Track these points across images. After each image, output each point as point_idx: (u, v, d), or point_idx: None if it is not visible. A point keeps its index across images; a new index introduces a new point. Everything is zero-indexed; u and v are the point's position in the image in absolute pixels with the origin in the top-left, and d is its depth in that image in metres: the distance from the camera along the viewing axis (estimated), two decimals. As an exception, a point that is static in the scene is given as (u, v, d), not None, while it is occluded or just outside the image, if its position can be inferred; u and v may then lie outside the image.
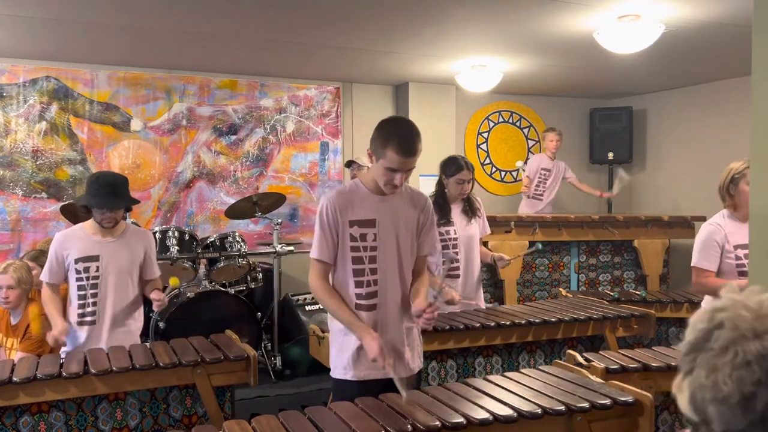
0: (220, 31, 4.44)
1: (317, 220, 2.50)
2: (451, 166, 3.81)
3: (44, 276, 3.21)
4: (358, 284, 2.49)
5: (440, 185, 3.87)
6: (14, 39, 4.64)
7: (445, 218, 3.80)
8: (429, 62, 5.42)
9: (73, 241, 3.19)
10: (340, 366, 2.52)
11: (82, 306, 3.16)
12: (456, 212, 3.86)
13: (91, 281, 3.16)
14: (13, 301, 3.50)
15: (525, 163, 6.61)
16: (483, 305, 3.98)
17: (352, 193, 2.52)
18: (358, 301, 2.50)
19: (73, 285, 3.19)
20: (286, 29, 4.40)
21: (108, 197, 3.14)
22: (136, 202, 3.42)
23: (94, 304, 3.17)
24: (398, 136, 2.38)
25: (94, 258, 3.18)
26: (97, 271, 3.17)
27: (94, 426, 2.71)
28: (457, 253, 3.81)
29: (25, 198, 5.32)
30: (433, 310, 2.46)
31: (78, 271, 3.16)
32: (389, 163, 2.38)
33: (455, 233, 3.81)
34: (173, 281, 3.52)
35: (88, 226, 3.24)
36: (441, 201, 3.83)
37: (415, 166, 2.45)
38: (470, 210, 3.89)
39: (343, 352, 2.52)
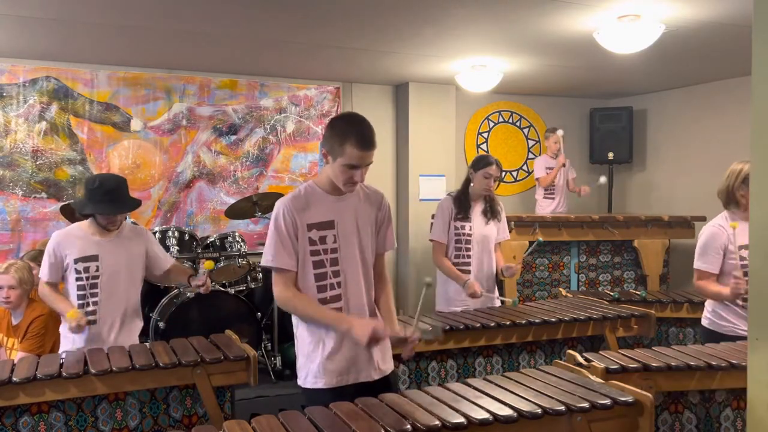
0: (220, 31, 4.44)
1: (273, 228, 2.41)
2: (481, 160, 3.99)
3: (43, 275, 3.21)
4: (321, 288, 2.43)
5: (466, 182, 4.03)
6: (14, 39, 4.64)
7: (463, 213, 3.92)
8: (429, 62, 5.41)
9: (71, 241, 3.20)
10: (311, 375, 2.45)
11: (82, 306, 3.17)
12: (476, 211, 3.98)
13: (91, 281, 3.18)
14: (14, 301, 3.51)
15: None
16: (497, 303, 4.07)
17: (307, 196, 2.45)
18: (324, 306, 2.44)
19: (72, 285, 3.19)
20: (286, 29, 4.40)
21: (113, 203, 3.16)
22: (139, 203, 3.44)
23: (95, 303, 3.19)
24: (355, 131, 2.33)
25: (93, 258, 3.19)
26: (97, 270, 3.19)
27: (94, 426, 2.71)
28: (469, 249, 3.92)
29: (25, 198, 5.32)
30: (413, 341, 2.44)
31: (78, 271, 3.17)
32: (349, 159, 2.33)
33: (470, 230, 3.94)
34: (208, 264, 3.40)
35: (86, 225, 3.25)
36: (463, 197, 3.99)
37: (373, 161, 2.40)
38: (491, 212, 4.02)
39: (311, 361, 2.45)
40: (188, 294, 4.74)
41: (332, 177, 2.42)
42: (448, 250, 3.98)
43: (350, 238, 2.47)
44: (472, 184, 3.98)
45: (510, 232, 5.25)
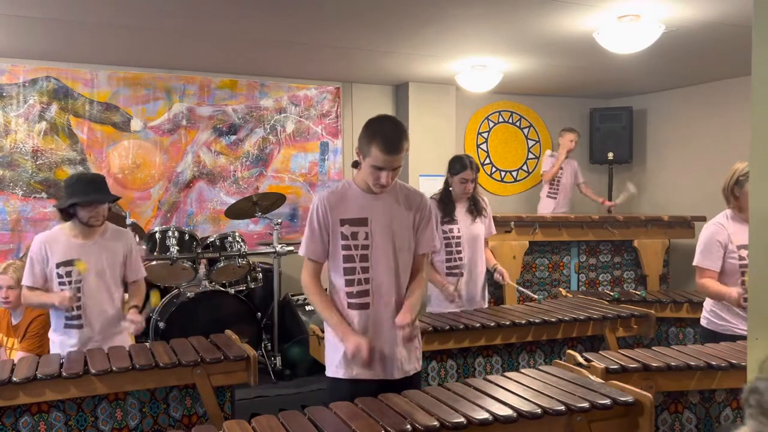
0: (221, 31, 4.44)
1: (309, 219, 2.53)
2: (455, 164, 3.90)
3: (25, 280, 3.16)
4: (349, 283, 2.50)
5: (447, 184, 3.96)
6: (14, 39, 4.64)
7: (449, 216, 3.88)
8: (429, 62, 5.41)
9: (53, 245, 3.14)
10: (333, 364, 2.54)
11: (68, 309, 3.12)
12: (461, 211, 3.92)
13: (74, 285, 3.12)
14: (13, 301, 3.51)
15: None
16: (485, 305, 4.01)
17: (344, 192, 2.53)
18: (350, 300, 2.50)
19: (56, 290, 3.13)
20: (286, 29, 4.40)
21: (96, 193, 3.11)
22: (118, 198, 3.42)
23: (79, 308, 3.13)
24: (382, 135, 2.39)
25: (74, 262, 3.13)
26: (79, 275, 3.12)
27: (94, 426, 2.71)
28: (460, 251, 3.86)
29: (25, 198, 5.32)
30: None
31: (60, 275, 3.12)
32: (374, 161, 2.39)
33: (459, 231, 3.88)
34: (155, 297, 3.34)
35: (68, 228, 3.19)
36: (446, 199, 3.92)
37: (402, 165, 2.46)
38: (475, 209, 3.95)
39: (336, 351, 2.53)
40: (188, 294, 4.74)
41: (364, 176, 2.48)
42: (436, 255, 3.91)
43: (383, 237, 2.50)
44: (451, 188, 3.93)
45: (510, 231, 5.27)
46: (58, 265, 3.12)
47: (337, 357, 2.52)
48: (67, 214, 3.16)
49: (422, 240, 2.61)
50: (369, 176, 2.45)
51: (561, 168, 6.35)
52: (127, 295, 3.38)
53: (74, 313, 3.14)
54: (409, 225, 2.57)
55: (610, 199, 6.63)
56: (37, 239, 3.19)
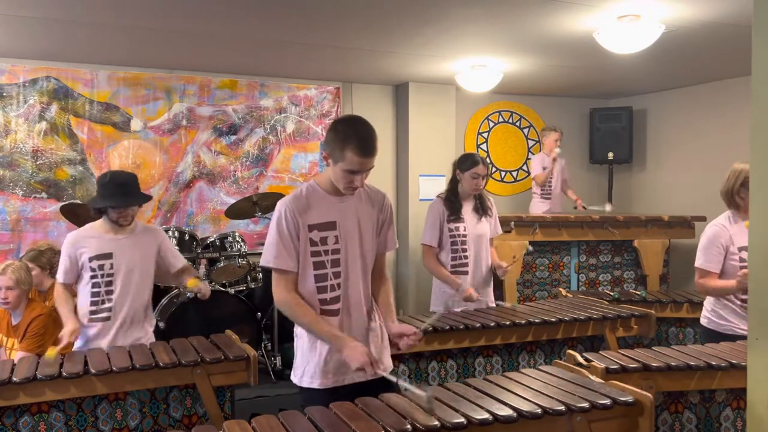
0: (220, 31, 4.44)
1: (275, 228, 2.39)
2: (467, 160, 3.91)
3: (59, 277, 3.25)
4: (321, 290, 2.42)
5: (453, 182, 3.96)
6: (14, 39, 4.64)
7: (455, 215, 3.90)
8: (429, 62, 5.41)
9: (86, 240, 3.23)
10: (307, 375, 2.45)
11: (95, 303, 3.20)
12: (467, 210, 3.95)
13: (106, 278, 3.20)
14: (12, 301, 3.51)
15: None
16: (492, 303, 4.04)
17: (308, 196, 2.43)
18: (323, 307, 2.42)
19: (87, 283, 3.22)
20: (286, 29, 4.40)
21: (123, 196, 3.19)
22: (149, 198, 3.46)
23: (109, 300, 3.21)
24: (357, 137, 2.29)
25: (108, 256, 3.21)
26: (111, 268, 3.21)
27: (94, 426, 2.71)
28: (465, 250, 3.88)
29: (25, 198, 5.32)
30: (418, 337, 2.42)
31: (92, 269, 3.20)
32: (349, 165, 2.30)
33: (465, 230, 3.91)
34: (191, 283, 3.43)
35: (99, 225, 3.28)
36: (453, 198, 3.94)
37: (374, 166, 2.38)
38: (481, 208, 3.98)
39: (308, 360, 2.45)
40: (188, 294, 4.73)
41: (333, 180, 2.40)
42: (442, 253, 3.94)
43: (352, 239, 2.45)
44: (460, 185, 3.94)
45: (510, 231, 5.27)
46: (90, 259, 3.19)
47: (310, 366, 2.44)
48: (98, 211, 3.26)
49: (385, 239, 2.57)
50: (341, 180, 2.36)
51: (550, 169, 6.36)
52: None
53: (103, 306, 3.21)
54: (374, 225, 2.51)
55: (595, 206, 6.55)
56: (69, 236, 3.28)
